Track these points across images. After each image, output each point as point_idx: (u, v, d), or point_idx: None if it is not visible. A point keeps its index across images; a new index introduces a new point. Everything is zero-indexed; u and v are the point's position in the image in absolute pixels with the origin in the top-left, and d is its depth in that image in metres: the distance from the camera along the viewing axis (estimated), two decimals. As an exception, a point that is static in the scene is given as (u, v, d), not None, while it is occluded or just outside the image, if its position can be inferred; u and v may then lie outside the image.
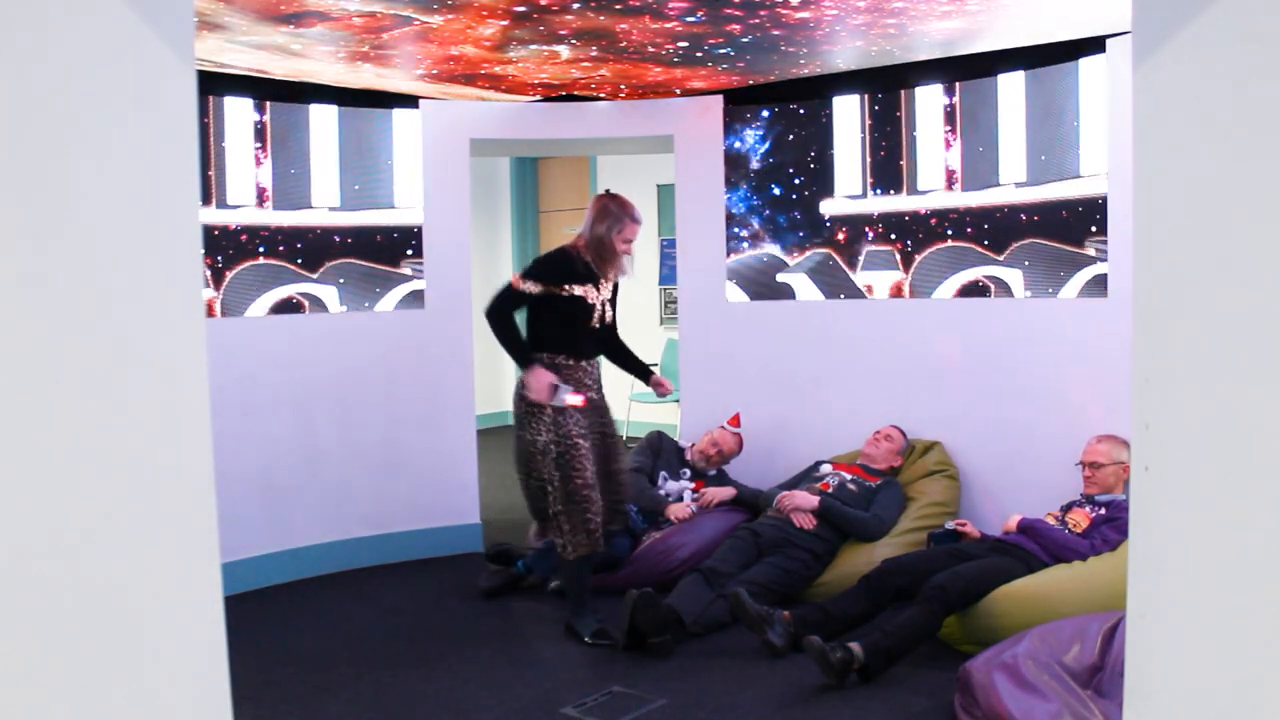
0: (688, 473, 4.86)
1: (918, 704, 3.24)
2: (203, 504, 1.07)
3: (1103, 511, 3.76)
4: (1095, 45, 4.12)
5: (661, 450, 4.91)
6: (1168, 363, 1.10)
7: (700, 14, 3.56)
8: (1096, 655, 2.97)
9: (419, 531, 5.07)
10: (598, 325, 3.94)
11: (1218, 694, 1.05)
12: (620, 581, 4.47)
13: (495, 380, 9.23)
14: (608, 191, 3.97)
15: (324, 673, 3.62)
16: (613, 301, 4.03)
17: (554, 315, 3.85)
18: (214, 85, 4.41)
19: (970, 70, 4.50)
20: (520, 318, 3.88)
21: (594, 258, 3.87)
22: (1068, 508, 3.88)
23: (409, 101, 4.99)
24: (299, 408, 4.75)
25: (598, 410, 3.96)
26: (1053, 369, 4.36)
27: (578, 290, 3.84)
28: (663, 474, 4.84)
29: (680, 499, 4.74)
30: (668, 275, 8.19)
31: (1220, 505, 1.03)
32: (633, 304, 8.59)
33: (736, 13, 3.54)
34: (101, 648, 0.99)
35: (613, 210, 3.89)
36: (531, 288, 3.81)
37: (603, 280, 3.93)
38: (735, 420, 4.88)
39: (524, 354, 3.82)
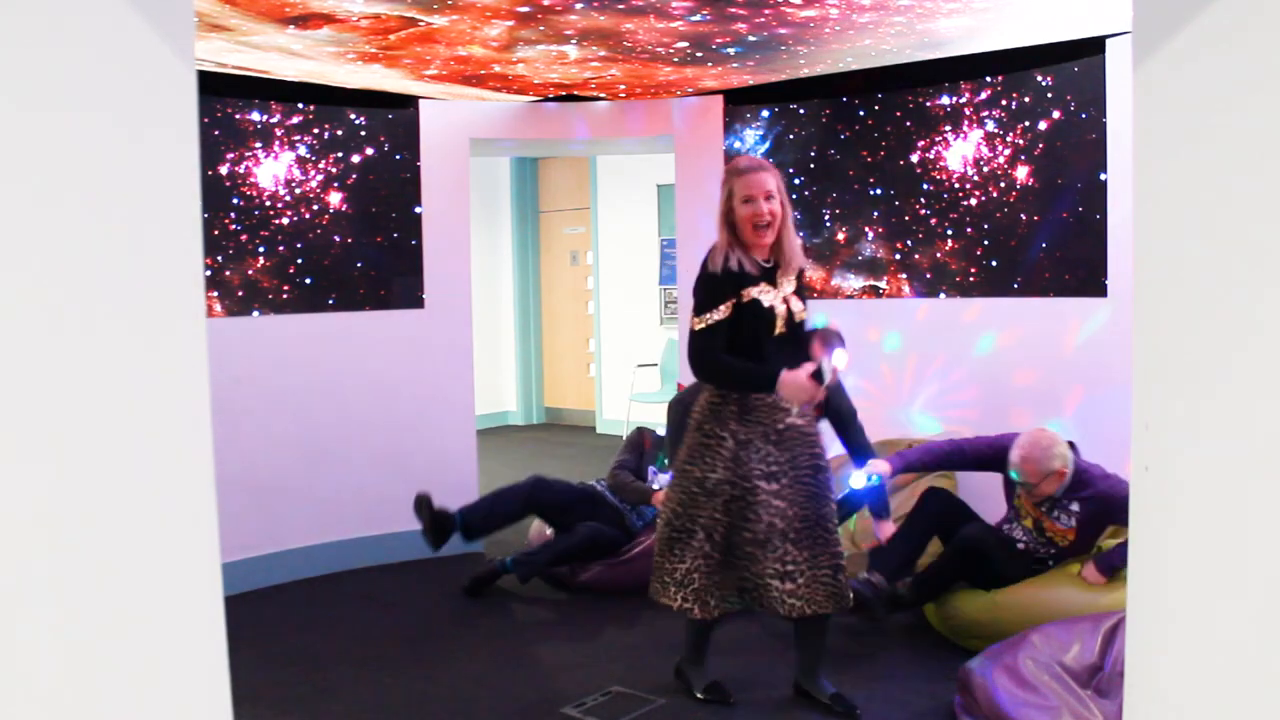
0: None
1: (918, 704, 3.25)
2: (203, 504, 1.07)
3: (1075, 507, 3.60)
4: (1094, 46, 4.12)
5: (646, 446, 4.85)
6: (1168, 363, 1.10)
7: (705, 13, 3.56)
8: (1096, 655, 2.97)
9: (419, 531, 5.06)
10: (785, 330, 3.13)
11: (1218, 694, 1.05)
12: (621, 583, 4.46)
13: (495, 380, 9.23)
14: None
15: (324, 673, 3.62)
16: (800, 294, 3.22)
17: (731, 331, 3.10)
18: (216, 85, 4.41)
19: (977, 69, 4.49)
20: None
21: (734, 244, 3.09)
22: (1039, 526, 3.69)
23: (408, 102, 4.99)
24: (299, 408, 4.75)
25: (804, 440, 3.14)
26: (1052, 369, 4.36)
27: (754, 292, 3.08)
28: (651, 469, 4.76)
29: None
30: (668, 275, 8.19)
31: (1220, 505, 1.03)
32: (633, 304, 8.63)
33: (741, 11, 3.54)
34: (101, 648, 0.99)
35: (724, 176, 3.17)
36: (715, 316, 3.07)
37: (780, 274, 3.15)
38: None
39: (758, 375, 3.05)
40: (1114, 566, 3.46)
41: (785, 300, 3.13)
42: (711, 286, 3.08)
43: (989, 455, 3.76)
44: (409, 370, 5.06)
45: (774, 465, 3.07)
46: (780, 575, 3.03)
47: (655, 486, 4.69)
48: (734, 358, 3.08)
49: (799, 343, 3.17)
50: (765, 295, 3.09)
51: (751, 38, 3.95)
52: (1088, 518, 3.59)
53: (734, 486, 3.07)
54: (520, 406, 9.45)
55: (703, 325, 3.08)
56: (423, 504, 4.46)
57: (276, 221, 4.68)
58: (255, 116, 4.59)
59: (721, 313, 3.05)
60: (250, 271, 4.62)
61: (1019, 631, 3.20)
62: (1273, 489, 0.97)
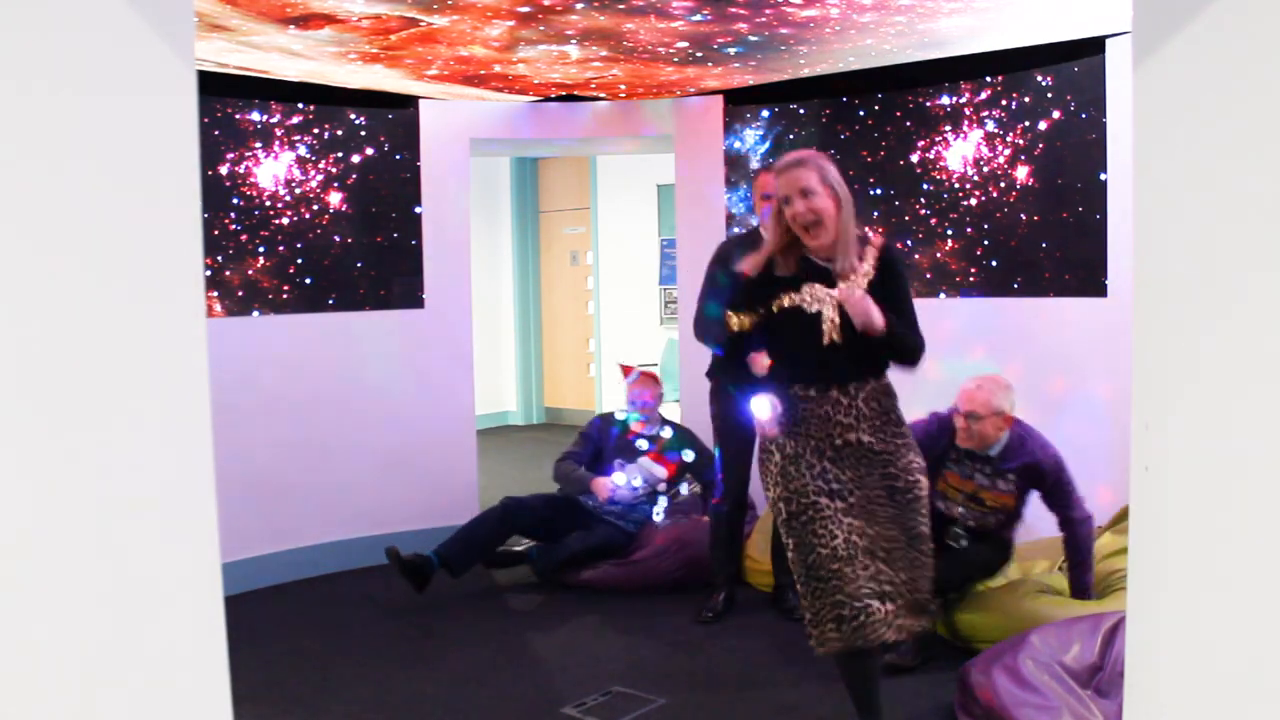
0: (643, 444, 4.68)
1: (918, 704, 3.24)
2: (203, 504, 1.07)
3: (1012, 475, 3.55)
4: (1095, 46, 4.12)
5: (607, 436, 4.74)
6: (1168, 363, 1.10)
7: (706, 13, 3.56)
8: (1096, 655, 2.97)
9: (419, 531, 5.06)
10: (837, 338, 2.82)
11: (1218, 694, 1.05)
12: (623, 582, 4.46)
13: (495, 380, 9.24)
14: None
15: (324, 672, 3.62)
16: (887, 276, 2.98)
17: (774, 336, 2.91)
18: (216, 85, 4.41)
19: (977, 69, 4.49)
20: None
21: (788, 247, 2.90)
22: (973, 497, 3.61)
23: (408, 102, 4.99)
24: (299, 408, 4.75)
25: (872, 459, 2.82)
26: (1052, 369, 4.35)
27: (795, 299, 2.86)
28: (618, 462, 4.64)
29: (653, 494, 4.62)
30: (668, 275, 8.19)
31: (1220, 505, 1.03)
32: (633, 304, 8.63)
33: (742, 11, 3.54)
34: (101, 647, 0.99)
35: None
36: (743, 321, 2.92)
37: (839, 274, 2.88)
38: (628, 370, 4.84)
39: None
40: (1087, 587, 3.54)
41: (838, 307, 2.83)
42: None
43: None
44: (409, 370, 5.06)
45: (835, 483, 2.78)
46: (879, 595, 2.69)
47: (615, 475, 4.60)
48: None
49: (862, 351, 2.85)
50: (812, 302, 2.84)
51: (752, 37, 3.95)
52: (1023, 483, 3.58)
53: (788, 503, 2.79)
54: (520, 406, 9.46)
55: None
56: (391, 557, 4.34)
57: (276, 221, 4.68)
58: (255, 116, 4.59)
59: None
60: (250, 271, 4.62)
61: (1018, 631, 3.20)
62: (1272, 489, 0.97)
